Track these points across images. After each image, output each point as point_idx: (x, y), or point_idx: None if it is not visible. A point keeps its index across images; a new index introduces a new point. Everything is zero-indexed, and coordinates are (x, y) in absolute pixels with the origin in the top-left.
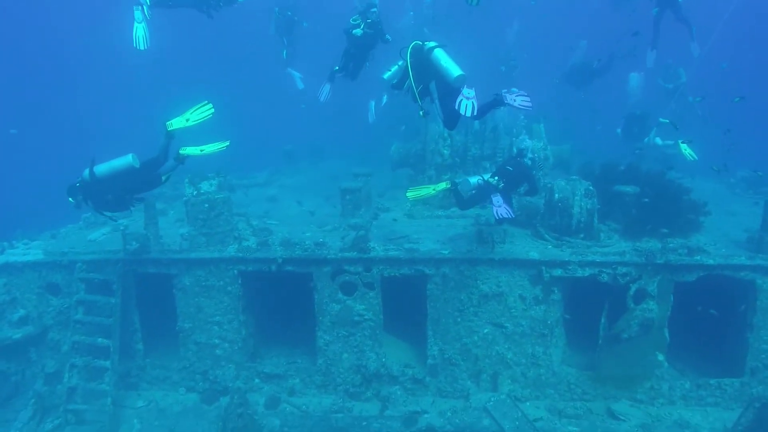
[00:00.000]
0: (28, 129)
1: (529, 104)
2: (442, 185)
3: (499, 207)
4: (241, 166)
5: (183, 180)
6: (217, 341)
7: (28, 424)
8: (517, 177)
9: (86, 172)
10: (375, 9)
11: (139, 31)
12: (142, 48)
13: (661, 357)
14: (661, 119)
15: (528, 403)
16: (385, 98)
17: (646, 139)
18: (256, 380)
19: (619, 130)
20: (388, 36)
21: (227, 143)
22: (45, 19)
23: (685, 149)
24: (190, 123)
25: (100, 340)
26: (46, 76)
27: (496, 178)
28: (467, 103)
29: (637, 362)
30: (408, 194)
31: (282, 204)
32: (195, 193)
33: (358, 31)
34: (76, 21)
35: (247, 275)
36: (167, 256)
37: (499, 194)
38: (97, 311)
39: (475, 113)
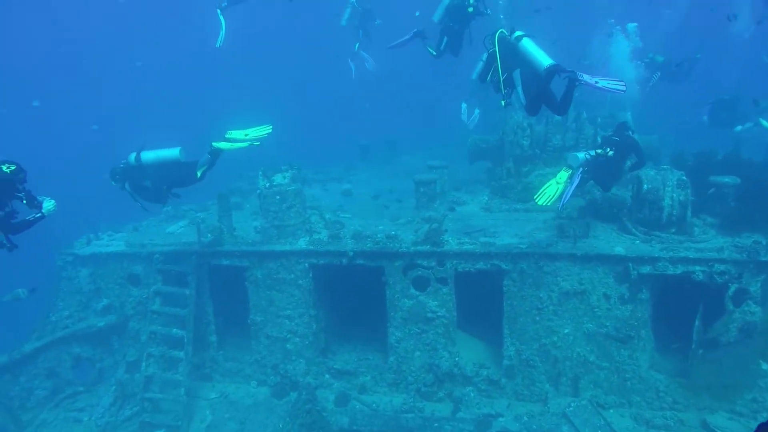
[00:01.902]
0: (109, 126)
1: (622, 87)
2: (564, 176)
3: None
4: (317, 161)
5: (258, 173)
6: (288, 335)
7: (109, 410)
8: (624, 148)
9: (132, 156)
10: None
11: (222, 31)
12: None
13: (765, 366)
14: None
15: (612, 411)
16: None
17: (748, 125)
18: (326, 376)
19: (705, 117)
20: (488, 10)
21: (258, 143)
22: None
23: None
24: (248, 138)
25: (175, 330)
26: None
27: (605, 147)
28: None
29: (737, 371)
30: (538, 201)
31: (356, 197)
32: (268, 185)
33: (470, 8)
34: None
35: (319, 268)
36: (240, 248)
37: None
38: (173, 302)
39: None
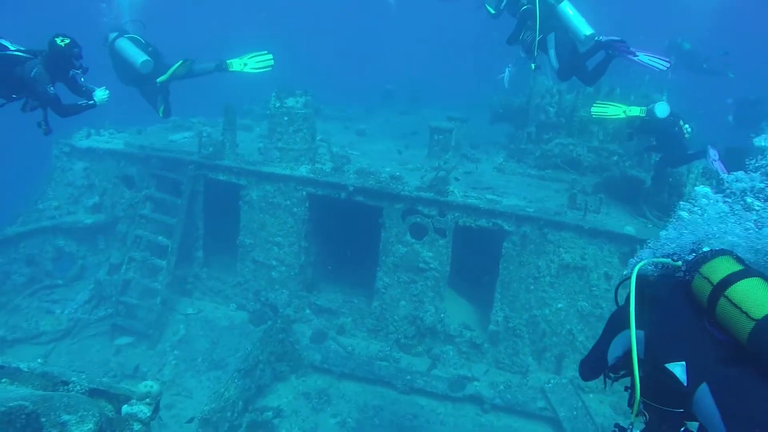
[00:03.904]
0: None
1: (665, 64)
2: (636, 111)
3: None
4: (338, 100)
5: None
6: (274, 263)
7: (83, 306)
8: None
9: (112, 36)
10: None
11: None
12: None
13: None
14: None
15: (592, 396)
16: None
17: None
18: (307, 311)
19: (730, 117)
20: None
21: (186, 60)
22: None
23: None
24: (246, 69)
25: (161, 238)
26: None
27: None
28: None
29: None
30: (593, 109)
31: (370, 138)
32: (278, 105)
33: None
34: None
35: (316, 199)
36: (239, 165)
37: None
38: (164, 210)
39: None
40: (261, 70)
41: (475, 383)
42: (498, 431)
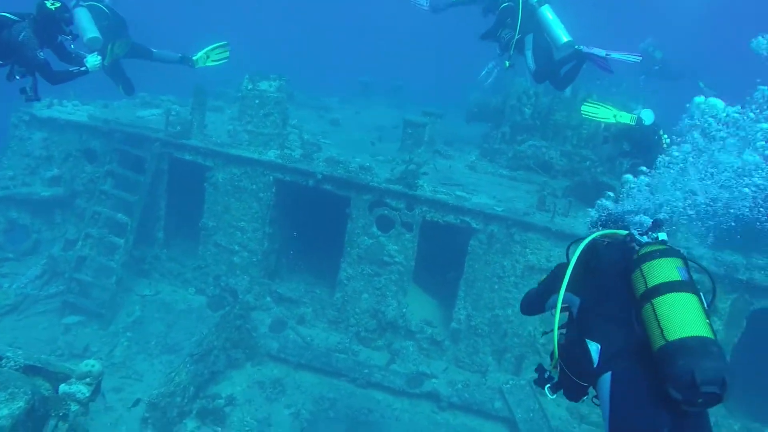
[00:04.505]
0: None
1: (637, 57)
2: (626, 117)
3: None
4: (315, 89)
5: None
6: (237, 248)
7: (33, 282)
8: None
9: (72, 3)
10: None
11: None
12: None
13: None
14: None
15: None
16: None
17: None
18: (268, 299)
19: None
20: None
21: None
22: None
23: None
24: (209, 63)
25: (120, 216)
26: None
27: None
28: None
29: None
30: (583, 107)
31: (343, 129)
32: (250, 87)
33: None
34: None
35: (284, 185)
36: (206, 146)
37: None
38: (125, 186)
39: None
40: (221, 62)
41: (434, 380)
42: (454, 429)
